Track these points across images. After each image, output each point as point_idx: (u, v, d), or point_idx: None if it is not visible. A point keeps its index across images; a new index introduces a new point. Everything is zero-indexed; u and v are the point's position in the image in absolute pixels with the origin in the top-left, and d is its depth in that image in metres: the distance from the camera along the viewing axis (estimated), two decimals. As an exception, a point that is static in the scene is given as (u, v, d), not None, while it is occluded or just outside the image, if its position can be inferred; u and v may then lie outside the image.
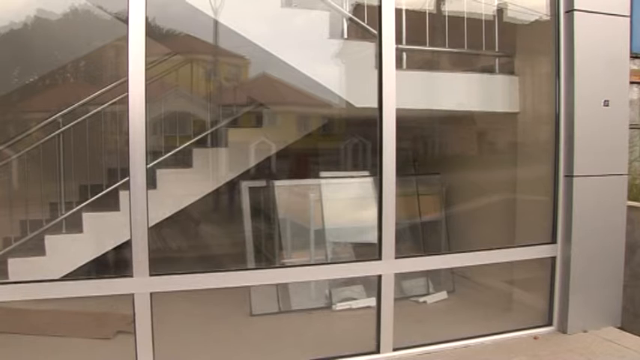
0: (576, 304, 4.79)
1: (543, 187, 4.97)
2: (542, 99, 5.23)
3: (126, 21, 3.71)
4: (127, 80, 3.66)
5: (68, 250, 4.85)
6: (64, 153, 5.09)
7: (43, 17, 6.69)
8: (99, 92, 5.36)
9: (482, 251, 4.71)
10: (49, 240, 4.81)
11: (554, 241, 4.84)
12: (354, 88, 4.90)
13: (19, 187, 5.41)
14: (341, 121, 6.99)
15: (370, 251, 4.45)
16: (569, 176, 4.75)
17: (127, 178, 3.66)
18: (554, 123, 4.88)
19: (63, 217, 4.96)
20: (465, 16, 5.33)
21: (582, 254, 4.76)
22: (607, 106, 4.80)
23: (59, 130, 5.11)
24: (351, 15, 4.75)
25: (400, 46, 4.55)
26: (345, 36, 4.89)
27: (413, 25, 4.94)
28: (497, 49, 5.43)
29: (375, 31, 4.26)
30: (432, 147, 7.21)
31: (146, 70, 3.71)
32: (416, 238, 6.18)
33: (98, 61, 7.11)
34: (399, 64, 4.46)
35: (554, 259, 4.84)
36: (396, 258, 4.28)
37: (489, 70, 5.49)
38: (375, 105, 4.23)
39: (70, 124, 5.18)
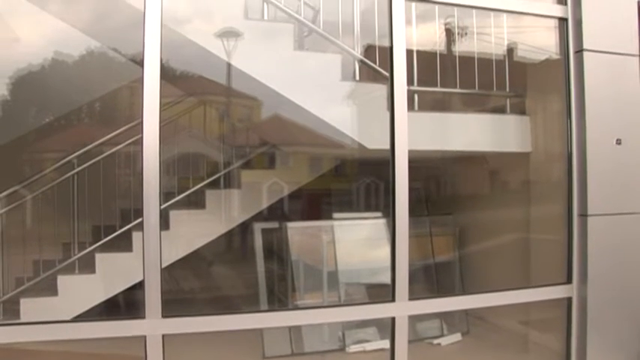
0: (594, 345, 4.68)
1: (557, 227, 4.92)
2: (554, 138, 5.23)
3: (141, 63, 3.78)
4: (142, 122, 3.70)
5: (80, 290, 4.85)
6: (77, 193, 5.13)
7: (60, 59, 6.84)
8: (113, 134, 5.42)
9: (497, 292, 4.65)
10: (62, 280, 4.82)
11: (569, 282, 4.76)
12: (366, 129, 4.94)
13: (33, 227, 5.44)
14: (353, 162, 7.01)
15: (384, 292, 4.41)
16: (584, 215, 4.71)
17: (141, 219, 3.66)
18: (566, 162, 4.85)
19: (76, 257, 4.98)
20: (476, 55, 5.40)
21: (599, 294, 4.68)
22: (619, 144, 4.80)
23: (73, 172, 5.16)
24: (362, 57, 4.82)
25: (412, 87, 4.59)
26: (357, 78, 4.96)
27: (424, 65, 4.99)
28: (508, 89, 5.46)
29: (387, 74, 4.31)
30: (444, 187, 7.21)
31: (160, 111, 3.75)
32: (429, 279, 6.14)
33: (113, 103, 7.22)
34: (410, 106, 4.48)
35: (570, 299, 4.76)
36: (409, 300, 4.24)
37: (500, 110, 5.52)
38: (387, 147, 4.24)
39: (84, 165, 5.23)
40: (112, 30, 5.51)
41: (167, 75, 5.10)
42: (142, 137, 3.69)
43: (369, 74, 4.86)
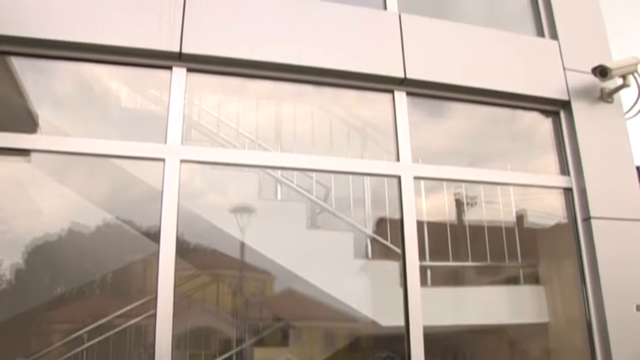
0: None
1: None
2: (571, 305, 5.15)
3: (156, 238, 3.88)
4: (156, 297, 3.73)
5: None
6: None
7: (76, 230, 6.98)
8: (126, 309, 5.41)
9: None
10: None
11: None
12: (379, 306, 4.90)
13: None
14: (368, 337, 6.88)
15: None
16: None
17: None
18: (586, 329, 4.77)
19: None
20: (486, 225, 5.48)
21: None
22: (639, 310, 4.72)
23: (84, 346, 5.10)
24: (374, 235, 4.92)
25: (424, 263, 4.63)
26: (370, 255, 5.02)
27: (435, 237, 5.06)
28: (519, 257, 5.47)
29: (399, 250, 4.37)
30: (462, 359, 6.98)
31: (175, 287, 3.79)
32: None
33: (126, 276, 7.26)
34: (423, 281, 4.50)
35: None
36: None
37: (514, 280, 5.50)
38: (402, 323, 4.20)
39: (95, 340, 5.17)
40: (128, 204, 5.68)
41: (181, 248, 5.19)
42: (155, 312, 3.69)
43: (381, 250, 4.93)
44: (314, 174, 4.93)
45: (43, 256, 6.63)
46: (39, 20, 4.25)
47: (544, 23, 5.69)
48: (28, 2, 4.29)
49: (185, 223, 4.31)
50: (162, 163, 4.23)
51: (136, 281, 7.06)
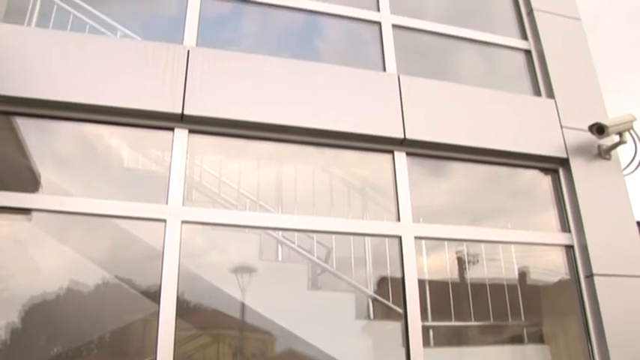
0: None
1: None
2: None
3: (156, 298, 3.86)
4: (155, 358, 3.80)
5: None
6: None
7: (75, 289, 6.92)
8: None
9: None
10: None
11: None
12: (382, 367, 4.84)
13: None
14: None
15: None
16: None
17: None
18: (596, 390, 4.69)
19: None
20: (488, 282, 5.43)
21: None
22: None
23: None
24: (375, 295, 4.88)
25: (426, 323, 4.58)
26: (371, 316, 4.97)
27: (437, 296, 5.01)
28: (523, 314, 5.39)
29: (401, 310, 4.34)
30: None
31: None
32: None
33: (125, 336, 7.16)
34: (426, 341, 4.44)
35: None
36: None
37: (519, 340, 5.41)
38: (405, 384, 4.14)
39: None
40: (128, 263, 5.65)
41: (181, 308, 5.15)
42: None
43: (382, 310, 4.88)
44: (315, 234, 4.94)
45: (41, 315, 6.54)
46: (43, 81, 4.35)
47: (540, 82, 5.81)
48: (33, 64, 4.40)
49: (185, 283, 4.31)
50: (163, 223, 4.27)
51: (135, 341, 6.95)
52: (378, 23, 5.65)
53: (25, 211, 4.36)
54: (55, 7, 5.09)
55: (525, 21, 6.21)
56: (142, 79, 4.53)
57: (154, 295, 4.24)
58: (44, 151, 4.69)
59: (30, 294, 6.52)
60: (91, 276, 6.64)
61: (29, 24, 4.93)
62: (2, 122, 4.45)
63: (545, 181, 5.50)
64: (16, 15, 4.93)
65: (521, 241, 5.21)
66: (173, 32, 5.03)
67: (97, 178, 4.80)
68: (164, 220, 4.26)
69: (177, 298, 4.15)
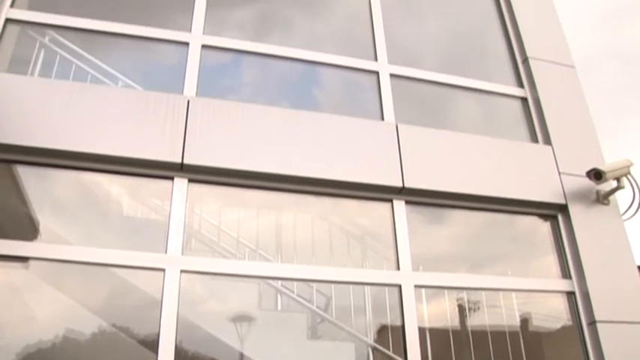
0: None
1: None
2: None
3: (155, 349, 3.86)
4: None
5: None
6: None
7: (72, 337, 6.83)
8: None
9: None
10: None
11: None
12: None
13: None
14: None
15: None
16: None
17: None
18: None
19: None
20: (489, 329, 5.37)
21: None
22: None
23: None
24: (375, 344, 4.82)
25: (428, 374, 4.53)
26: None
27: (438, 344, 4.95)
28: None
29: (401, 359, 4.29)
30: None
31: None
32: None
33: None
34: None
35: None
36: None
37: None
38: None
39: None
40: (126, 312, 5.60)
41: (179, 357, 5.08)
42: None
43: (383, 359, 4.81)
44: (314, 283, 4.91)
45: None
46: (44, 130, 4.39)
47: (537, 129, 5.88)
48: (35, 112, 4.45)
49: (184, 332, 4.26)
50: (162, 273, 4.25)
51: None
52: (376, 73, 5.75)
53: (23, 259, 4.34)
54: (58, 57, 5.17)
55: (521, 69, 6.32)
56: (143, 129, 4.57)
57: (152, 345, 4.18)
58: (44, 199, 4.70)
59: (26, 342, 6.43)
60: (88, 325, 6.56)
61: (32, 73, 5.01)
62: (3, 170, 4.48)
63: (544, 227, 5.50)
64: (20, 64, 5.01)
65: (522, 288, 5.19)
66: (173, 82, 5.10)
67: (96, 226, 4.79)
68: (163, 270, 4.25)
69: (176, 347, 4.11)
